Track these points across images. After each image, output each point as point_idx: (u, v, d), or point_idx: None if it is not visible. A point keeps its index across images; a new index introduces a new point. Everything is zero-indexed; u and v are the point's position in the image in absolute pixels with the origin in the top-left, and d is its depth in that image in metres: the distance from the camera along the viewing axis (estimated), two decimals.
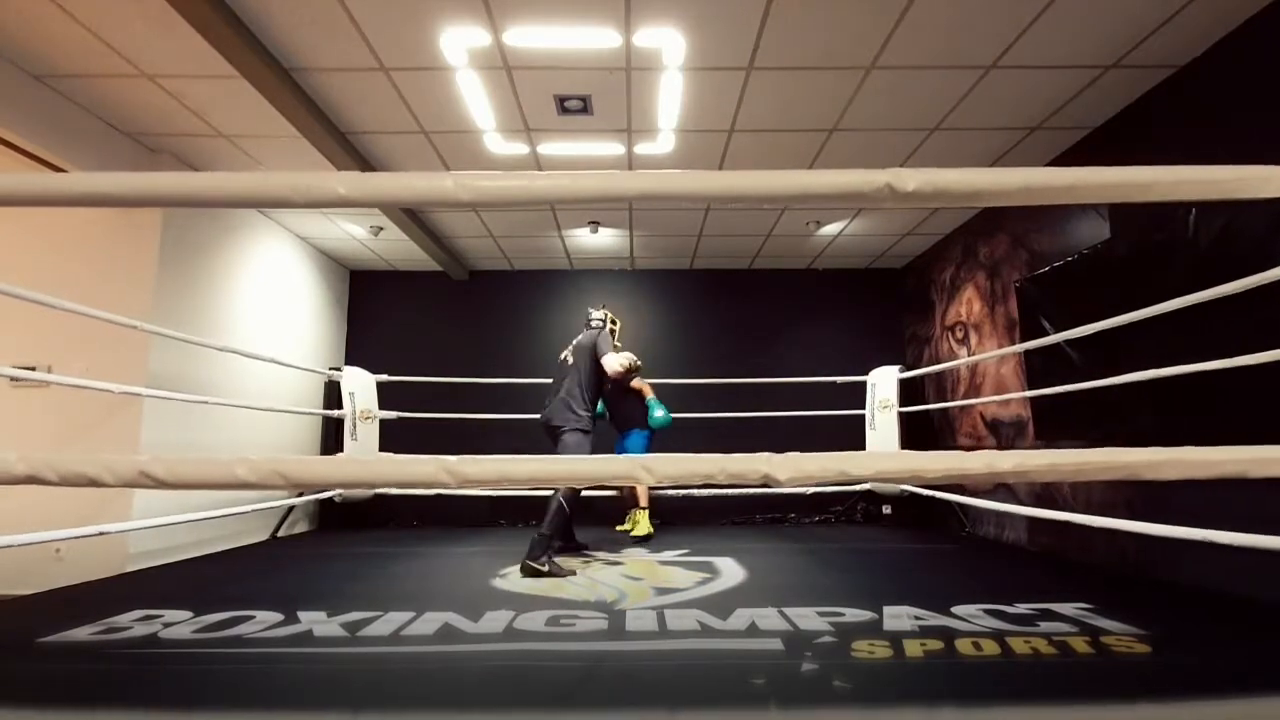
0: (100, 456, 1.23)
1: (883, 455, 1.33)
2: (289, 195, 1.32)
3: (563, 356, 3.85)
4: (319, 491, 5.09)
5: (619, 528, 4.84)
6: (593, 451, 3.74)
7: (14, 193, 1.37)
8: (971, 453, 1.29)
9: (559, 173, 1.37)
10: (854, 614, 2.24)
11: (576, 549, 3.85)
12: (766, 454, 1.25)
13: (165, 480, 1.22)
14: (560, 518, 3.34)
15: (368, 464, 1.34)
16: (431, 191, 1.35)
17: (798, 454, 1.26)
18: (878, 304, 6.20)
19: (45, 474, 1.22)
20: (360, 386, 5.25)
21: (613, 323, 4.22)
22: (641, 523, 4.54)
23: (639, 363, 4.22)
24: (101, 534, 2.79)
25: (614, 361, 3.69)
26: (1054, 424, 3.83)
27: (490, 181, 1.36)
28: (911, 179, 1.31)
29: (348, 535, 4.83)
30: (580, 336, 3.83)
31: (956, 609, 2.27)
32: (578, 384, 3.64)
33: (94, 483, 1.22)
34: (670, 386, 5.63)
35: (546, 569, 3.10)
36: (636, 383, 4.57)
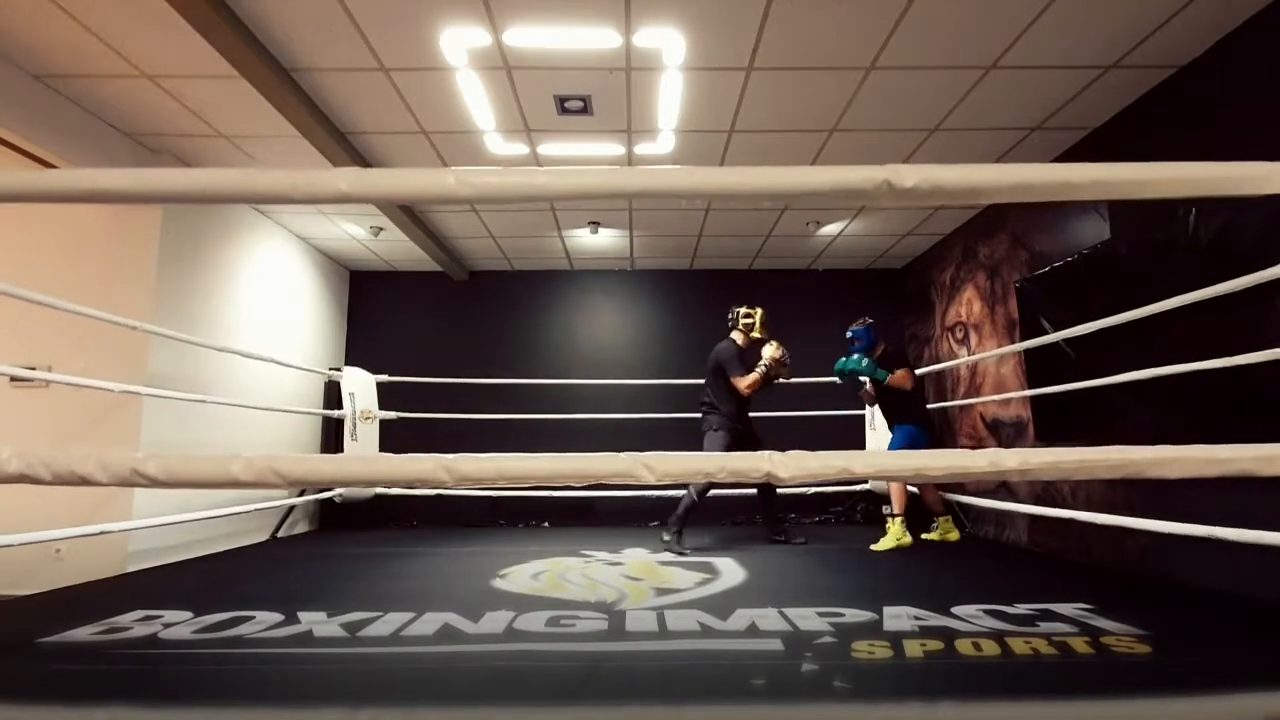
0: (94, 454, 1.21)
1: (886, 454, 1.33)
2: (290, 192, 1.32)
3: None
4: (319, 491, 5.09)
5: (925, 535, 4.20)
6: (731, 447, 3.92)
7: (12, 189, 1.37)
8: (975, 451, 1.29)
9: (558, 168, 1.37)
10: (854, 614, 2.24)
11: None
12: (769, 452, 1.26)
13: (159, 479, 1.21)
14: (686, 510, 3.80)
15: (365, 461, 1.34)
16: (432, 188, 1.35)
17: (800, 452, 1.26)
18: (878, 304, 6.18)
19: (38, 471, 1.21)
20: (360, 387, 5.25)
21: (745, 317, 4.00)
22: (893, 530, 3.92)
23: (777, 358, 3.76)
24: (102, 533, 2.80)
25: (742, 383, 3.88)
26: (1054, 424, 3.82)
27: (490, 178, 1.36)
28: (910, 175, 1.31)
29: (348, 535, 4.83)
30: (720, 343, 4.07)
31: (956, 609, 2.27)
32: (709, 393, 4.03)
33: (86, 481, 1.20)
34: (670, 387, 5.64)
35: (670, 538, 3.74)
36: (900, 375, 4.04)
